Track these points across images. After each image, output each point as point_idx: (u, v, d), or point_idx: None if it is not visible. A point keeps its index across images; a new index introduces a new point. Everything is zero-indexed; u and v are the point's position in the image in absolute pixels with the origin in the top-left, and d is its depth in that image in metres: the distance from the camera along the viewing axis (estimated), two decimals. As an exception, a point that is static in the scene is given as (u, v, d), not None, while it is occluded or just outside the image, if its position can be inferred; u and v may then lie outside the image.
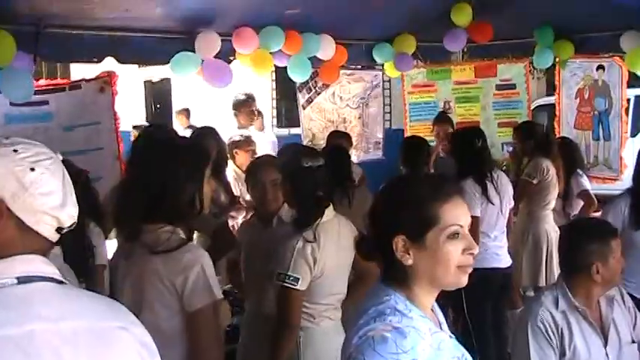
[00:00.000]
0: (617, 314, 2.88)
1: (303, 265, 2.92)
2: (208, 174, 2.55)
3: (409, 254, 1.70)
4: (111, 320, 1.42)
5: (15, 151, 1.39)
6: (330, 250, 3.01)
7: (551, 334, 2.78)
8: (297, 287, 2.91)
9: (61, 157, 1.50)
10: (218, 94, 7.08)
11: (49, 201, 1.40)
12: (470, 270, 1.74)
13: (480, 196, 4.59)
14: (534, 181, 5.55)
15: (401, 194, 1.77)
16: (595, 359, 2.79)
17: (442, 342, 1.71)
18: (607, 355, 2.81)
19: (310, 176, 3.06)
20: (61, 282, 1.41)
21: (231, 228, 5.25)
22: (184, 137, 3.27)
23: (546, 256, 5.57)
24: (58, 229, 1.44)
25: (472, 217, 1.86)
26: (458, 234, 1.70)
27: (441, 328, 1.78)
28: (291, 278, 2.90)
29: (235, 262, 3.74)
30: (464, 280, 1.74)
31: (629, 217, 3.81)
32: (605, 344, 2.83)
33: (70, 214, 1.45)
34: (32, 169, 1.38)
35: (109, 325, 1.41)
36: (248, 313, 3.52)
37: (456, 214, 1.71)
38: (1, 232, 1.37)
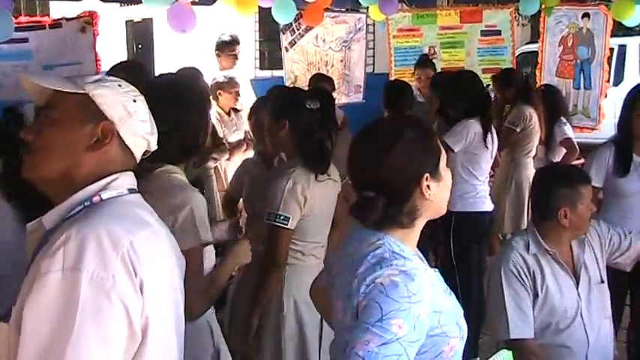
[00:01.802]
0: (587, 255, 2.95)
1: (293, 204, 2.95)
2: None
3: (430, 189, 1.79)
4: (165, 226, 1.68)
5: (119, 85, 1.65)
6: (317, 189, 3.04)
7: (523, 276, 2.84)
8: (288, 226, 2.95)
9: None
10: (201, 35, 7.00)
11: (145, 127, 1.67)
12: None
13: (480, 139, 4.61)
14: (517, 129, 5.60)
15: (412, 137, 1.80)
16: (567, 299, 2.86)
17: (432, 277, 1.79)
18: (579, 295, 2.89)
19: (313, 118, 3.06)
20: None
21: (215, 170, 5.27)
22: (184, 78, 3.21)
23: (528, 202, 5.64)
24: (144, 153, 1.70)
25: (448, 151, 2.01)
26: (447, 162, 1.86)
27: (424, 263, 1.85)
28: (282, 217, 2.93)
29: (232, 198, 3.74)
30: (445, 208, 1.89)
31: (614, 165, 3.84)
32: (577, 285, 2.90)
33: (155, 140, 1.71)
34: (134, 101, 1.65)
35: (167, 231, 1.68)
36: None
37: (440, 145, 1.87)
38: (109, 149, 1.60)
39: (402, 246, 1.77)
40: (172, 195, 2.30)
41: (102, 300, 1.38)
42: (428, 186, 1.78)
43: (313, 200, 3.02)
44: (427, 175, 1.78)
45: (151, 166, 2.31)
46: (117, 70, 4.56)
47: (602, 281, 2.97)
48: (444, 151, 1.86)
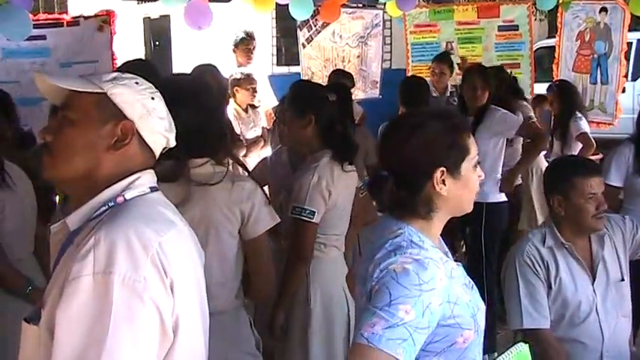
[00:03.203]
0: (607, 252, 2.92)
1: (318, 199, 2.98)
2: None
3: (445, 185, 1.81)
4: (186, 223, 1.67)
5: (137, 83, 1.64)
6: (340, 182, 3.07)
7: (537, 267, 2.85)
8: (313, 220, 2.97)
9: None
10: (218, 32, 7.02)
11: (164, 124, 1.66)
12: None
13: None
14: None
15: (435, 129, 1.84)
16: (581, 294, 2.86)
17: (452, 270, 1.82)
18: (594, 291, 2.88)
19: (335, 110, 3.11)
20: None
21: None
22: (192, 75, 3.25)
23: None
24: (164, 149, 1.69)
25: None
26: (478, 163, 1.87)
27: (447, 257, 1.88)
28: (307, 212, 2.95)
29: None
30: (472, 206, 1.90)
31: (634, 163, 3.81)
32: (593, 281, 2.89)
33: (174, 136, 1.70)
34: (152, 98, 1.64)
35: (189, 228, 1.67)
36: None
37: (475, 145, 1.87)
38: (129, 148, 1.59)
39: (423, 237, 1.81)
40: (240, 183, 2.42)
41: (135, 302, 1.40)
42: (443, 181, 1.80)
43: (337, 193, 3.05)
44: (443, 169, 1.80)
45: (199, 161, 2.37)
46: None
47: (623, 279, 2.94)
48: (474, 153, 1.86)
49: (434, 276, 1.69)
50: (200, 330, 1.59)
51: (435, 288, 1.68)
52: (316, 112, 3.08)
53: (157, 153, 1.68)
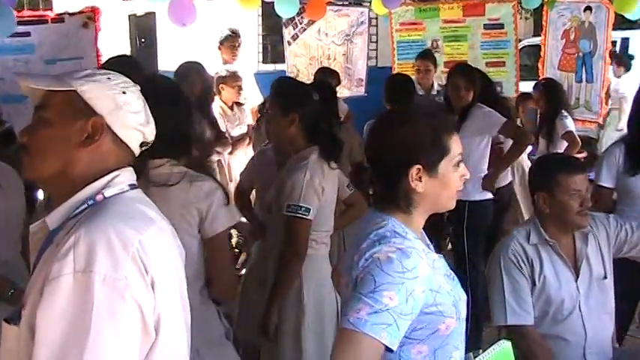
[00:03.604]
0: (591, 250, 2.95)
1: (312, 196, 3.00)
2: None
3: (421, 182, 1.84)
4: (167, 220, 1.68)
5: (109, 78, 1.62)
6: (329, 179, 3.11)
7: (522, 264, 2.87)
8: (309, 217, 2.99)
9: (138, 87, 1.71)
10: (204, 29, 7.00)
11: (138, 118, 1.64)
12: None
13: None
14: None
15: (417, 127, 1.87)
16: (564, 291, 2.88)
17: (434, 261, 1.88)
18: (577, 288, 2.90)
19: (319, 109, 3.12)
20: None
21: (218, 163, 5.28)
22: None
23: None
24: (142, 144, 1.67)
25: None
26: (460, 162, 1.88)
27: (429, 249, 1.93)
28: (303, 209, 2.97)
29: (244, 190, 3.79)
30: (454, 203, 1.93)
31: (624, 164, 3.81)
32: (577, 278, 2.91)
33: (151, 130, 1.69)
34: (124, 92, 1.62)
35: (169, 224, 1.68)
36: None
37: (459, 145, 1.90)
38: (101, 144, 1.58)
39: (406, 228, 1.86)
40: (199, 183, 2.43)
41: (116, 301, 1.40)
42: (420, 178, 1.84)
43: (329, 190, 3.10)
44: (419, 167, 1.84)
45: (158, 162, 2.38)
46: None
47: (605, 277, 2.96)
48: (455, 153, 1.88)
49: (417, 265, 1.75)
50: (182, 327, 1.60)
51: (418, 276, 1.74)
52: (300, 110, 3.09)
53: (134, 148, 1.66)
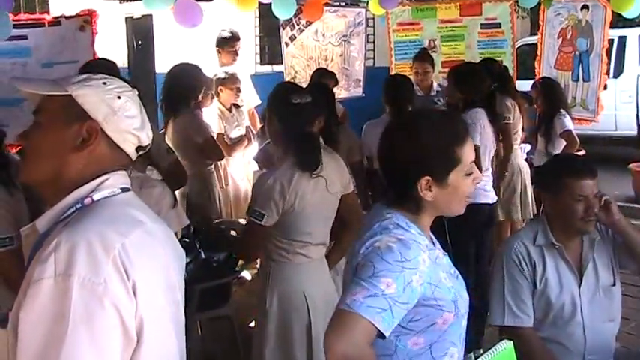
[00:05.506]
0: (599, 255, 2.90)
1: (269, 202, 2.93)
2: None
3: (431, 191, 1.87)
4: (161, 223, 1.67)
5: (104, 83, 1.63)
6: (301, 187, 2.98)
7: (524, 264, 2.85)
8: (262, 223, 2.94)
9: (136, 91, 1.71)
10: (201, 31, 7.01)
11: (133, 123, 1.63)
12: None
13: (482, 127, 4.64)
14: (510, 121, 5.67)
15: (426, 140, 1.89)
16: (566, 296, 2.84)
17: (437, 257, 1.91)
18: (580, 294, 2.85)
19: (298, 113, 3.02)
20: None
21: (215, 165, 5.27)
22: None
23: (521, 189, 5.85)
24: (138, 148, 1.67)
25: (474, 146, 2.04)
26: (472, 171, 1.90)
27: (435, 246, 1.97)
28: (257, 214, 2.94)
29: None
30: (464, 209, 1.96)
31: None
32: (580, 284, 2.87)
33: (148, 135, 1.68)
34: (119, 97, 1.62)
35: (161, 227, 1.66)
36: None
37: (470, 153, 1.91)
38: (96, 148, 1.59)
39: (410, 223, 1.90)
40: (148, 189, 2.53)
41: (94, 305, 1.39)
42: (429, 188, 1.87)
43: (299, 198, 2.97)
44: (428, 178, 1.86)
45: None
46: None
47: (614, 284, 2.92)
48: (466, 162, 1.89)
49: (416, 256, 1.79)
50: (171, 332, 1.58)
51: (417, 268, 1.78)
52: (276, 112, 3.08)
53: (130, 152, 1.66)
